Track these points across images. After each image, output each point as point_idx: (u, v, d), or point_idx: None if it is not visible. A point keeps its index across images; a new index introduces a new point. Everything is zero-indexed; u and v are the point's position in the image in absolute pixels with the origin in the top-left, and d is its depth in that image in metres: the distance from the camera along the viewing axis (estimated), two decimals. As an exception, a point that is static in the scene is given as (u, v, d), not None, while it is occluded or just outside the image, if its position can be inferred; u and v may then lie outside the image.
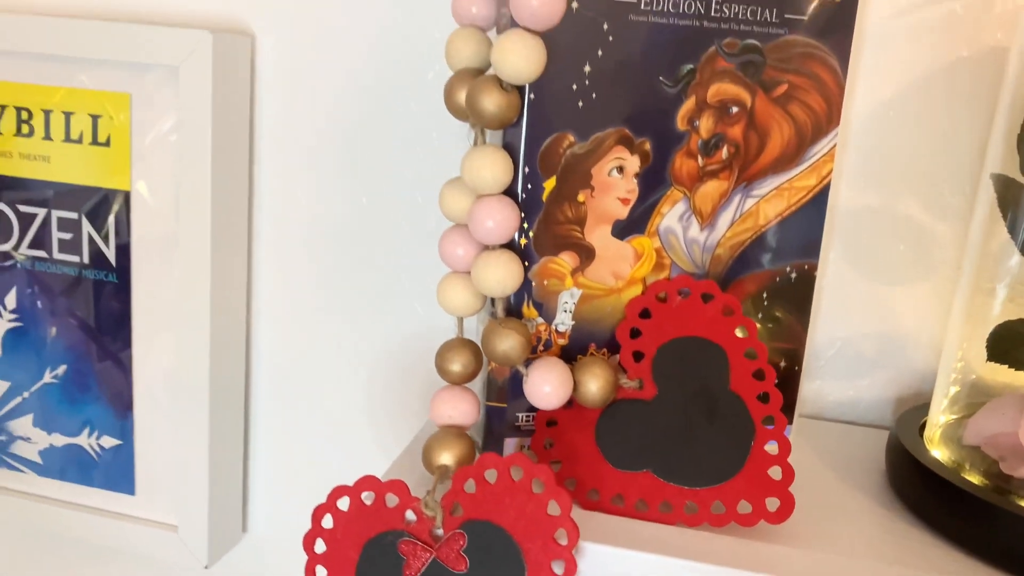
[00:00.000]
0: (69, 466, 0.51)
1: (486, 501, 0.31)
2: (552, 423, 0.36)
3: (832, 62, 0.36)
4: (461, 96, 0.34)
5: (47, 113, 0.47)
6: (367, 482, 0.33)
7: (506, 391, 0.36)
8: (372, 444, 0.51)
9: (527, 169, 0.34)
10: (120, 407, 0.50)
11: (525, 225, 0.34)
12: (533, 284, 0.35)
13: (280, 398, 0.51)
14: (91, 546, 0.55)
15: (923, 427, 0.39)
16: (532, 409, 0.36)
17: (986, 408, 0.37)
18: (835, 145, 0.37)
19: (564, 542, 0.30)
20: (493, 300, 0.35)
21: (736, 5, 0.34)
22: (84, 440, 0.50)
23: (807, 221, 0.37)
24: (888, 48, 0.41)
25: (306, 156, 0.48)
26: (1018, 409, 0.35)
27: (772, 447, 0.33)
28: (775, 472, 0.33)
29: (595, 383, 0.34)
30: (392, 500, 0.32)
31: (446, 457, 0.33)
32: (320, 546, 0.33)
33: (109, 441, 0.50)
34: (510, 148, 0.34)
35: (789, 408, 0.39)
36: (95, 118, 0.46)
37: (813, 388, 0.45)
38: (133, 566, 0.55)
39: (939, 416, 0.39)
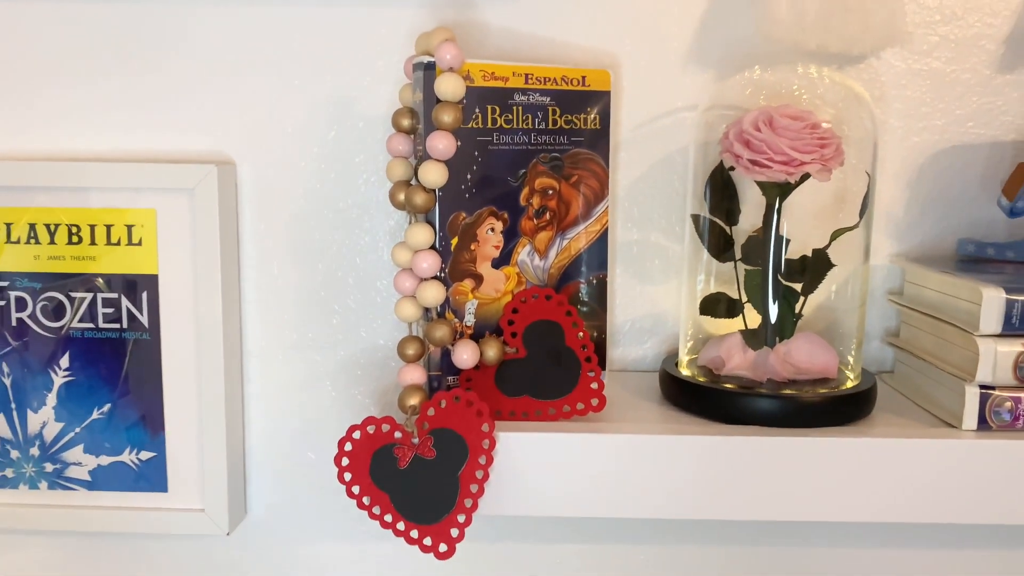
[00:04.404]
0: (114, 479, 0.70)
1: (442, 417, 0.56)
2: (469, 379, 0.61)
3: (600, 161, 0.65)
4: (400, 197, 0.60)
5: (92, 227, 0.68)
6: (369, 420, 0.56)
7: (440, 364, 0.61)
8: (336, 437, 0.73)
9: (441, 234, 0.59)
10: (154, 428, 0.70)
11: (443, 265, 0.60)
12: (450, 299, 0.60)
13: (269, 413, 0.73)
14: (137, 535, 0.73)
15: (677, 363, 0.68)
16: (456, 373, 0.61)
17: (707, 344, 0.66)
18: (607, 207, 0.65)
19: (486, 430, 0.55)
20: (429, 310, 0.60)
21: (545, 135, 0.62)
22: (126, 457, 0.70)
23: (598, 250, 0.66)
24: (636, 147, 0.70)
25: (277, 239, 0.71)
26: (720, 343, 0.64)
27: (591, 374, 0.60)
28: (595, 385, 0.60)
29: (492, 352, 0.60)
30: (385, 428, 0.56)
31: (413, 399, 0.58)
32: (345, 460, 0.56)
33: (146, 455, 0.70)
34: (430, 222, 0.60)
35: (602, 362, 0.66)
36: (130, 227, 0.68)
37: (618, 352, 0.73)
38: (173, 543, 0.74)
39: (684, 356, 0.67)
